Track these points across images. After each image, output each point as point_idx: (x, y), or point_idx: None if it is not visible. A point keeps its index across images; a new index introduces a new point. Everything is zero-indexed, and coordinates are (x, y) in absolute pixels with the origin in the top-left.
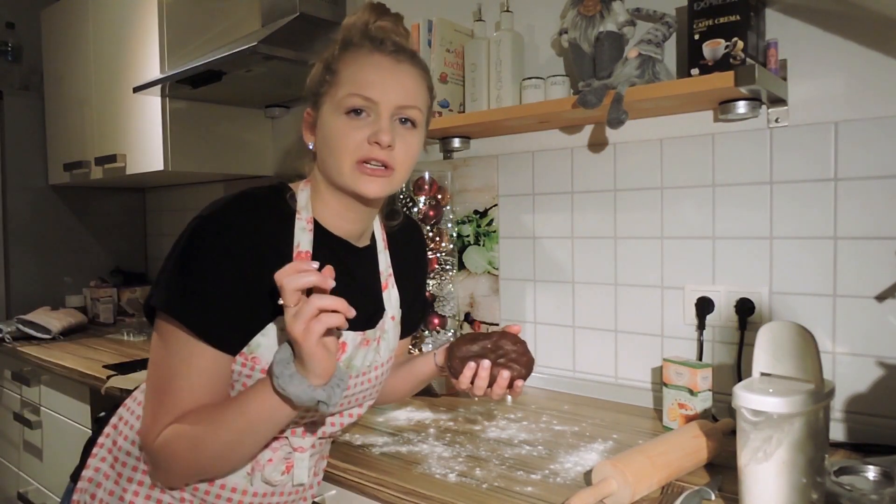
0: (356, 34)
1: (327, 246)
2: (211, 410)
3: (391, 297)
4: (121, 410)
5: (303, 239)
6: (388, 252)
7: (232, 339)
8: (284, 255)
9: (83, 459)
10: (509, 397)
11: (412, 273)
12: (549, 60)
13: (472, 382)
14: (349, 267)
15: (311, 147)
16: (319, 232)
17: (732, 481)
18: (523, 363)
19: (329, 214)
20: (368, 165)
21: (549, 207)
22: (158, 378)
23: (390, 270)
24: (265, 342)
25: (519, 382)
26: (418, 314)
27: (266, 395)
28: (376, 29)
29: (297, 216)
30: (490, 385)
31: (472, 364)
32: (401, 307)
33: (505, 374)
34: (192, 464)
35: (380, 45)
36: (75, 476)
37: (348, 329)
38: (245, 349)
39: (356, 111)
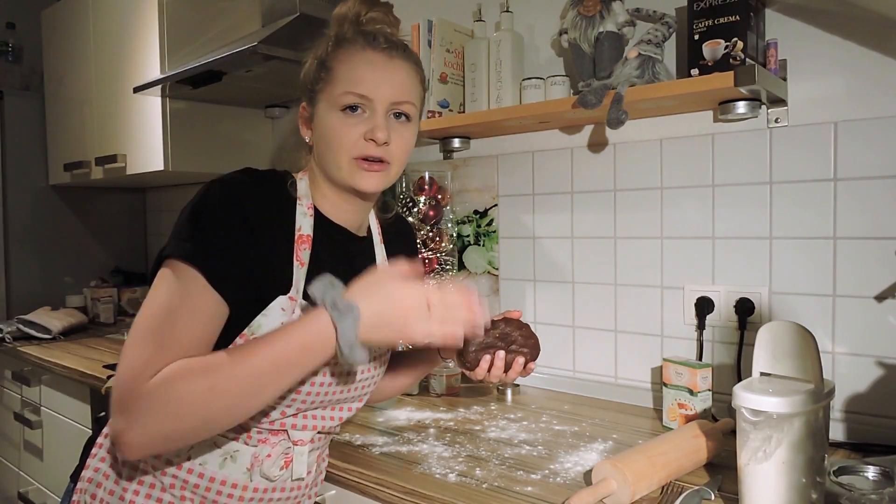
0: (348, 29)
1: (327, 232)
2: (229, 350)
3: None
4: None
5: (304, 223)
6: (383, 245)
7: (238, 293)
8: (287, 235)
9: (83, 459)
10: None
11: None
12: (549, 60)
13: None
14: (349, 255)
15: (307, 140)
16: (320, 219)
17: (732, 481)
18: (531, 345)
19: (328, 205)
20: (365, 161)
21: (549, 207)
22: (156, 320)
23: (386, 264)
24: (266, 322)
25: (531, 364)
26: None
27: (321, 324)
28: (368, 21)
29: (298, 202)
30: (505, 371)
31: (487, 357)
32: None
33: (520, 361)
34: (200, 401)
35: (372, 41)
36: (75, 476)
37: None
38: (246, 330)
39: (352, 108)
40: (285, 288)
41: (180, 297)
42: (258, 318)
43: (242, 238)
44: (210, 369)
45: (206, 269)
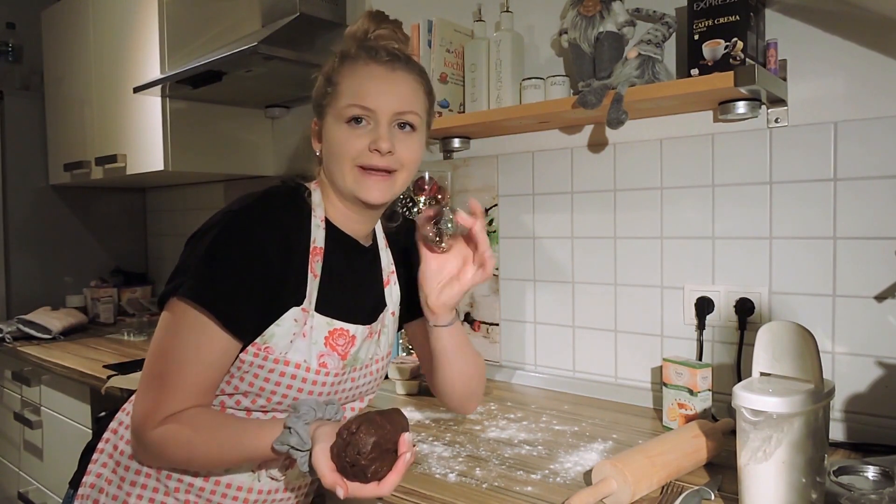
0: (353, 45)
1: (338, 243)
2: (211, 423)
3: (392, 293)
4: (120, 415)
5: (317, 235)
6: (388, 250)
7: (251, 329)
8: (302, 249)
9: (82, 465)
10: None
11: (413, 265)
12: (549, 60)
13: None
14: (355, 264)
15: (318, 153)
16: (331, 230)
17: (732, 481)
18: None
19: (338, 215)
20: (369, 171)
21: (549, 207)
22: (164, 364)
23: (392, 268)
24: (279, 332)
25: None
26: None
27: (266, 443)
28: (376, 37)
29: (312, 213)
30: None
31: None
32: (401, 304)
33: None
34: (182, 461)
35: (375, 55)
36: (75, 482)
37: (357, 324)
38: (258, 339)
39: (356, 120)
40: (299, 299)
41: (193, 344)
42: (272, 327)
43: (259, 274)
44: (192, 445)
45: (221, 314)
